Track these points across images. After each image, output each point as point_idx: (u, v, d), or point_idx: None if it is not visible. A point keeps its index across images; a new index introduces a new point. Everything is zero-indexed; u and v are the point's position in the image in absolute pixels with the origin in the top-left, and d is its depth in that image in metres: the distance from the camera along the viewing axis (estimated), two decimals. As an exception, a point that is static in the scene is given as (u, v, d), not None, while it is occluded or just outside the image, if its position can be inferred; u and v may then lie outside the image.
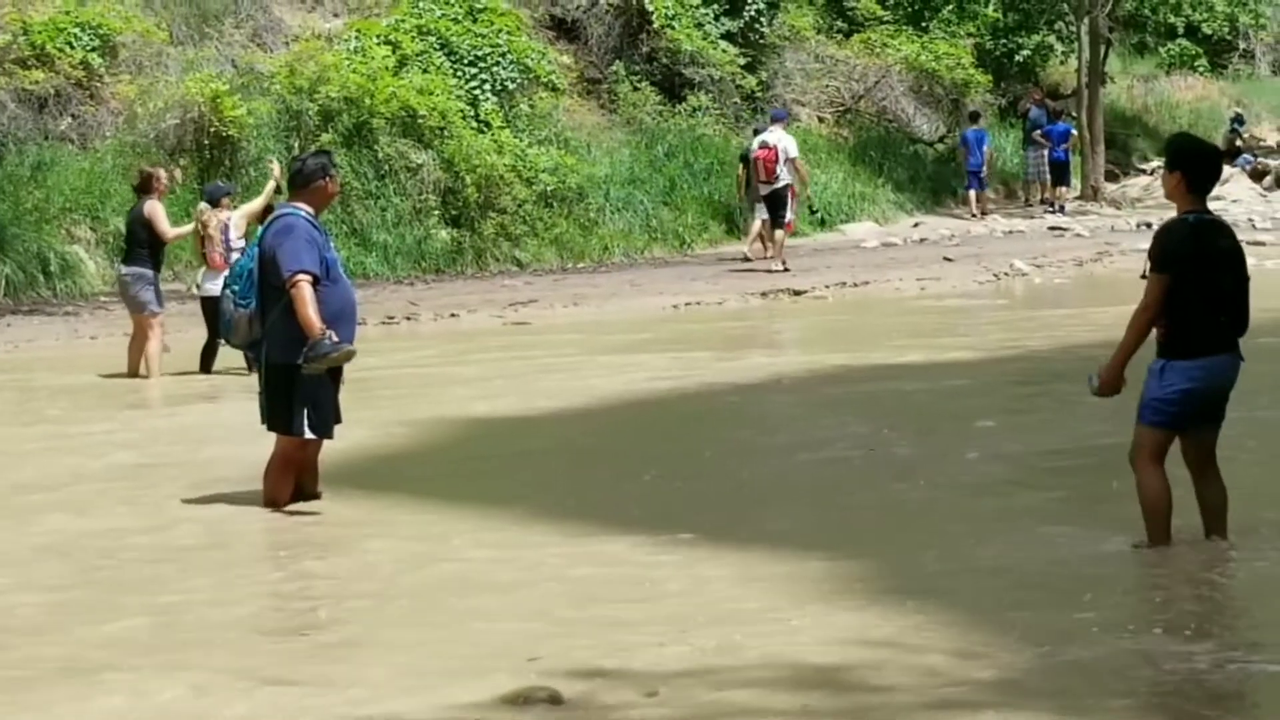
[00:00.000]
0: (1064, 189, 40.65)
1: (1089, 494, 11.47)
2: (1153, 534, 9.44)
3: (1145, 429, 9.39)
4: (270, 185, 19.17)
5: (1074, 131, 40.46)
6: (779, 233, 29.93)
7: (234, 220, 18.87)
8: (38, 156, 26.49)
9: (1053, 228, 36.54)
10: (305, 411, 11.05)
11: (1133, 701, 7.13)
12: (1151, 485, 9.39)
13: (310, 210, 11.19)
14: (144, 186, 19.15)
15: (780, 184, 29.72)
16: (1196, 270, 9.23)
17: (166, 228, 18.82)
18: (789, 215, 30.22)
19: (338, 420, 11.31)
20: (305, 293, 10.81)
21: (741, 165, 31.96)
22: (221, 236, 18.80)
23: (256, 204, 19.20)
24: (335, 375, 11.16)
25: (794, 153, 30.17)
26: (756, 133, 31.52)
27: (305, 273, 10.86)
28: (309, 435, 11.12)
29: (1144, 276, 9.50)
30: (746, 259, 30.38)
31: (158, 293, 18.88)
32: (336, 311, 10.98)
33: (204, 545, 10.50)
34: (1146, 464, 9.39)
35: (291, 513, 11.13)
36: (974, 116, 39.78)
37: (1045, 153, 40.65)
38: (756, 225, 30.83)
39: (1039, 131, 40.21)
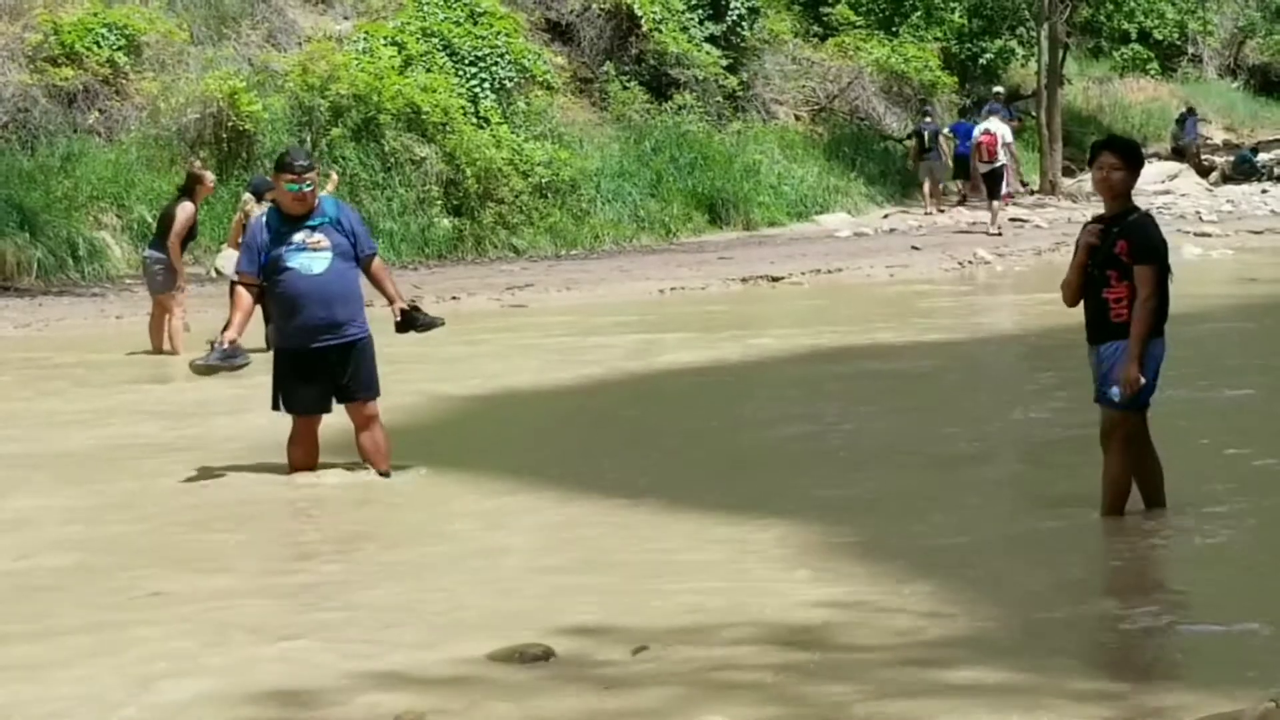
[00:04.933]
0: (961, 183, 40.22)
1: (1049, 468, 11.50)
2: (1111, 507, 9.45)
3: (1135, 414, 9.32)
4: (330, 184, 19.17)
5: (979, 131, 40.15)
6: (996, 203, 34.25)
7: None
8: (67, 148, 26.45)
9: (1013, 219, 36.47)
10: (276, 390, 11.26)
11: (1090, 658, 7.17)
12: (1124, 466, 9.37)
13: (278, 204, 11.26)
14: (188, 186, 19.08)
15: (998, 164, 34.12)
16: (1167, 260, 9.28)
17: (177, 236, 18.65)
18: (1005, 189, 34.73)
19: (320, 400, 11.21)
20: (237, 294, 11.58)
21: (914, 141, 38.31)
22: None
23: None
24: (315, 359, 11.05)
25: (1009, 139, 34.80)
26: (926, 115, 38.67)
27: (240, 274, 11.49)
28: (280, 410, 11.27)
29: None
30: (928, 213, 36.89)
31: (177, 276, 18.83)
32: (282, 300, 11.11)
33: (230, 507, 10.53)
34: (1122, 445, 9.34)
35: (306, 481, 11.15)
36: (964, 111, 40.11)
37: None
38: (928, 186, 37.64)
39: (947, 129, 39.61)
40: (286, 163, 11.14)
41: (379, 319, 11.55)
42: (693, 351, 18.24)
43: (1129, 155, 9.44)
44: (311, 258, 10.96)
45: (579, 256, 30.14)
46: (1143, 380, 9.15)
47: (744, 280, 26.38)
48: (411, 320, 11.45)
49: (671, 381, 16.30)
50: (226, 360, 11.24)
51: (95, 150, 26.72)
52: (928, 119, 38.95)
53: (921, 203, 38.44)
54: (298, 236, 10.98)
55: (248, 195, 19.47)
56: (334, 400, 11.24)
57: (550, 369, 16.86)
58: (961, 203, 39.32)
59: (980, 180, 36.03)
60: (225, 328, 11.52)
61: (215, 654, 7.25)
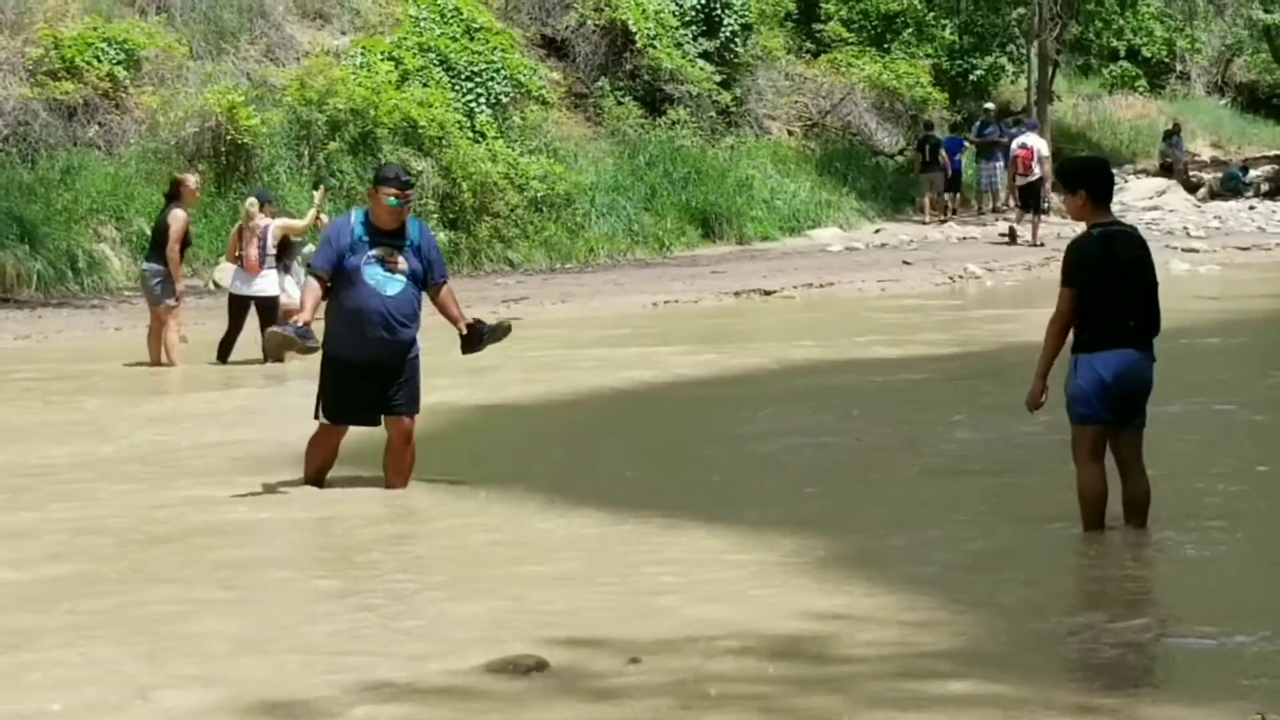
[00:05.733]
0: (958, 194, 40.60)
1: (1036, 481, 11.50)
2: (1087, 522, 9.46)
3: (1076, 427, 9.42)
4: (312, 211, 19.19)
5: (966, 143, 40.40)
6: (1037, 216, 34.77)
7: (272, 229, 18.86)
8: (67, 161, 26.47)
9: (1003, 234, 36.54)
10: (320, 398, 11.11)
11: (1079, 670, 7.17)
12: (1087, 479, 9.42)
13: (370, 212, 11.03)
14: (172, 193, 19.13)
15: (1034, 177, 34.66)
16: (1102, 280, 9.24)
17: (175, 242, 18.65)
18: (1044, 204, 35.02)
19: (364, 412, 11.13)
20: (307, 283, 11.20)
21: (917, 151, 39.30)
22: (259, 241, 18.79)
23: (298, 222, 19.23)
24: (366, 373, 10.94)
25: (1046, 153, 35.02)
26: (928, 127, 39.79)
27: (313, 269, 11.10)
28: (319, 419, 11.11)
29: None
30: (928, 220, 38.23)
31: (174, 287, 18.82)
32: (349, 311, 10.86)
33: (227, 519, 10.51)
34: (1084, 459, 9.40)
35: (320, 487, 11.21)
36: (955, 127, 40.37)
37: (997, 165, 40.61)
38: (929, 198, 38.86)
39: (942, 149, 39.96)
40: (391, 177, 11.03)
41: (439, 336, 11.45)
42: (686, 364, 18.25)
43: (1063, 178, 9.68)
44: (388, 278, 10.85)
45: (573, 270, 30.16)
46: (1044, 398, 9.47)
47: (737, 294, 26.41)
48: (479, 335, 11.34)
49: (665, 394, 16.30)
50: (301, 336, 10.99)
51: (95, 163, 26.73)
52: (931, 132, 39.33)
53: (920, 214, 38.82)
54: (377, 252, 10.83)
55: (253, 200, 19.49)
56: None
57: (544, 382, 16.85)
58: (952, 216, 39.49)
59: (1016, 192, 36.70)
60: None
61: (210, 664, 7.23)
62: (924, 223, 38.50)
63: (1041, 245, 33.26)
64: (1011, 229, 35.11)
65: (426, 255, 11.07)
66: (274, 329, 10.96)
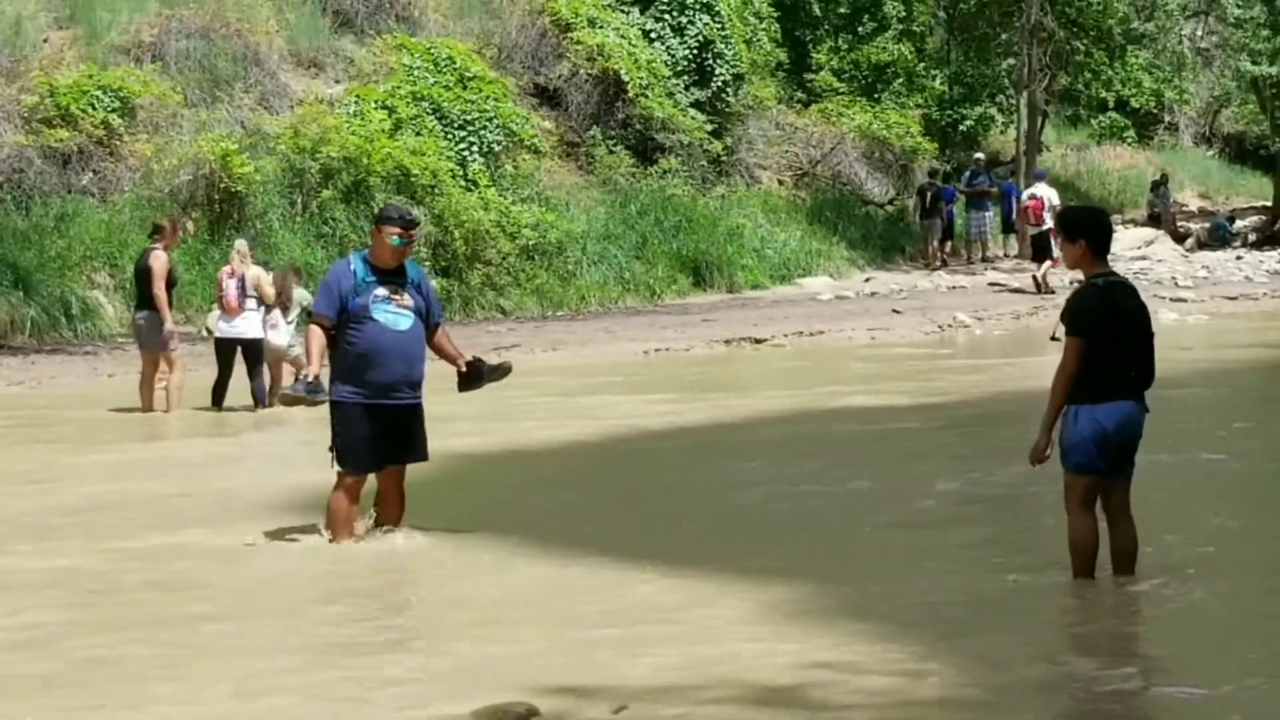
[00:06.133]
0: (949, 244, 40.96)
1: (1023, 530, 11.51)
2: (1078, 570, 9.46)
3: (1070, 476, 9.41)
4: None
5: (957, 193, 40.66)
6: (1046, 264, 34.45)
7: (251, 275, 18.90)
8: (61, 209, 26.47)
9: (992, 284, 36.65)
10: (336, 447, 10.91)
11: (1066, 717, 7.18)
12: (1079, 528, 9.43)
13: (371, 252, 10.96)
14: (152, 236, 19.23)
15: (1045, 227, 34.27)
16: (1108, 331, 9.25)
17: (160, 284, 18.70)
18: (1055, 252, 33.21)
19: (384, 458, 10.94)
20: (310, 333, 10.97)
21: (917, 197, 40.17)
22: (238, 282, 18.86)
23: (267, 284, 19.17)
24: (385, 416, 10.82)
25: (1056, 203, 34.85)
26: (932, 175, 40.35)
27: (315, 315, 10.97)
28: (335, 468, 10.94)
29: (1054, 338, 9.55)
30: (930, 266, 39.07)
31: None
32: (362, 351, 10.74)
33: (217, 566, 10.51)
34: (1077, 509, 9.41)
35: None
36: (946, 177, 40.51)
37: (986, 214, 40.86)
38: (934, 245, 39.74)
39: (941, 200, 40.43)
40: (395, 216, 10.99)
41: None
42: (676, 412, 18.26)
43: (1065, 228, 9.62)
44: (398, 314, 10.78)
45: (565, 318, 30.17)
46: (1049, 451, 9.39)
47: (727, 342, 26.43)
48: (479, 373, 11.33)
49: (655, 442, 16.30)
50: (311, 393, 10.98)
51: (89, 210, 26.74)
52: (934, 179, 39.72)
53: (922, 260, 39.25)
54: (383, 290, 10.77)
55: (242, 241, 19.59)
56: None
57: (535, 429, 16.86)
58: (943, 264, 39.75)
59: (1029, 242, 37.08)
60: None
61: (199, 709, 7.23)
62: (928, 267, 38.89)
63: (1053, 293, 33.22)
64: (1035, 278, 35.11)
65: (426, 295, 11.07)
66: (285, 391, 10.93)
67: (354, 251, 11.75)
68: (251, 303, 18.91)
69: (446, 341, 11.34)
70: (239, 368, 18.93)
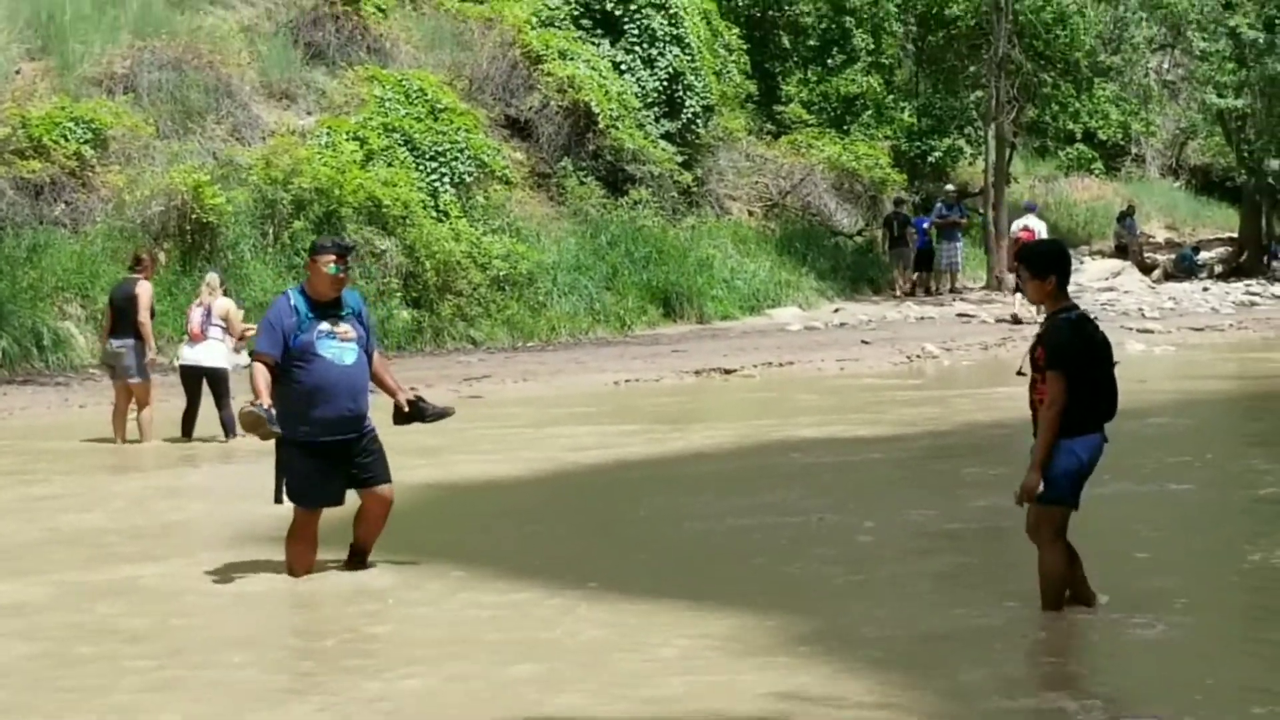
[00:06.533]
0: (925, 274, 41.36)
1: (993, 562, 11.56)
2: (1049, 602, 9.51)
3: (1045, 508, 9.39)
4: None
5: (931, 224, 40.98)
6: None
7: (220, 305, 18.97)
8: (33, 240, 26.44)
9: (960, 314, 36.80)
10: (283, 481, 10.90)
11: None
12: (1052, 560, 9.44)
13: (308, 285, 10.89)
14: (133, 267, 19.28)
15: None
16: (1082, 364, 9.31)
17: (145, 313, 18.80)
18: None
19: (337, 493, 10.96)
20: (254, 371, 10.78)
21: (884, 228, 40.78)
22: (204, 310, 18.93)
23: (237, 319, 19.23)
24: (334, 451, 10.80)
25: (1044, 235, 35.39)
26: (898, 204, 41.19)
27: (257, 355, 10.85)
28: (285, 502, 10.96)
29: (1020, 373, 9.59)
30: (899, 294, 39.52)
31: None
32: (309, 389, 10.69)
33: (195, 599, 10.52)
34: (1050, 541, 9.40)
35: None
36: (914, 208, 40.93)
37: (957, 245, 41.10)
38: (898, 274, 40.49)
39: (909, 227, 40.92)
40: (329, 245, 10.92)
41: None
42: (647, 443, 18.30)
43: (1034, 263, 9.57)
44: (342, 348, 10.74)
45: (535, 348, 30.22)
46: (1041, 485, 9.27)
47: (697, 373, 26.47)
48: (420, 411, 11.28)
49: (626, 473, 16.33)
50: (270, 421, 10.55)
51: (60, 241, 26.71)
52: (899, 209, 40.10)
53: (891, 290, 39.51)
54: (327, 325, 10.73)
55: (214, 274, 19.68)
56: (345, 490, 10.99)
57: (507, 460, 16.88)
58: (911, 294, 40.01)
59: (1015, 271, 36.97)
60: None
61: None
62: (896, 297, 39.17)
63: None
64: (1014, 314, 35.42)
65: (365, 324, 11.01)
66: (247, 407, 10.70)
67: (290, 287, 11.60)
68: (216, 331, 18.96)
69: (385, 372, 11.28)
70: (208, 398, 18.98)
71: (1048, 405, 9.27)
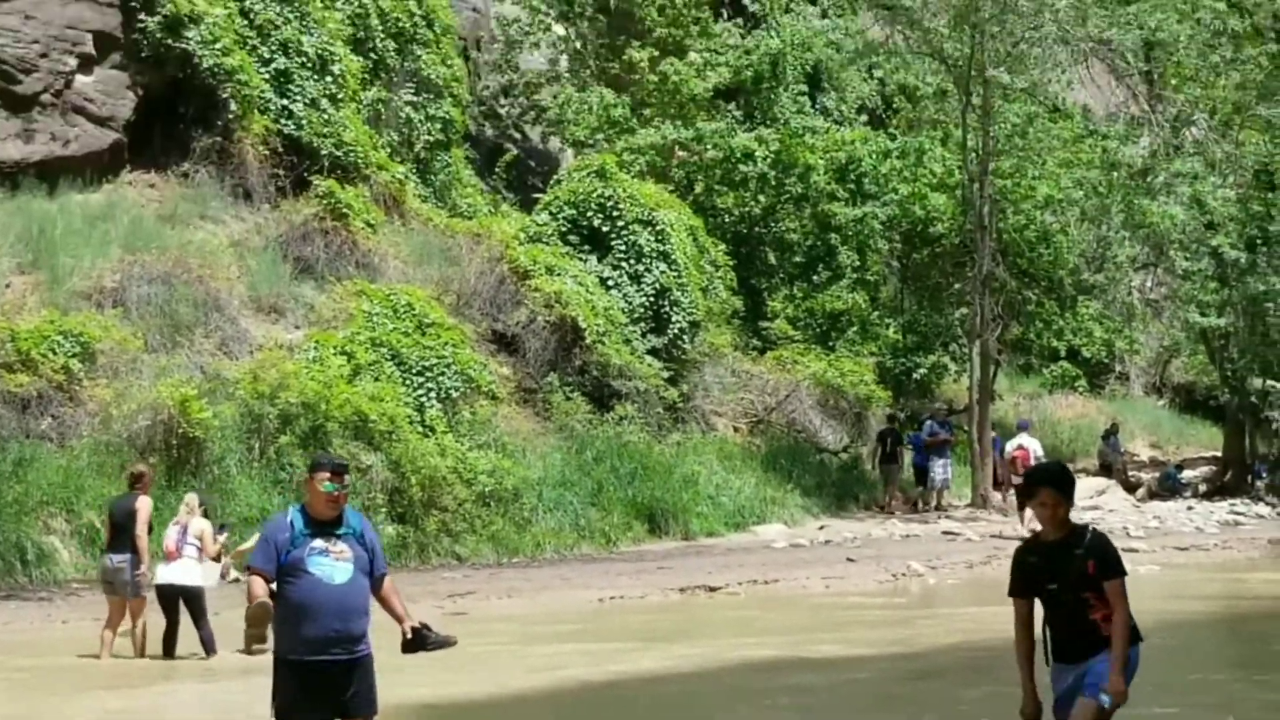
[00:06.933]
0: (920, 490, 41.79)
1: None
2: None
3: (1107, 712, 9.42)
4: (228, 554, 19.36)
5: (924, 441, 41.37)
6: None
7: (196, 525, 19.07)
8: (19, 453, 26.48)
9: (945, 532, 36.86)
10: (275, 706, 10.69)
11: None
12: None
13: (307, 503, 10.79)
14: (133, 484, 19.38)
15: None
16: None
17: (143, 527, 18.93)
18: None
19: (329, 715, 10.66)
20: (251, 583, 10.70)
21: (878, 443, 41.04)
22: (180, 528, 19.06)
23: (209, 539, 19.39)
24: (322, 673, 10.54)
25: (1040, 453, 37.03)
26: (891, 420, 41.63)
27: (252, 569, 10.76)
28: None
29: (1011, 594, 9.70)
30: (892, 511, 39.68)
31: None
32: (296, 606, 10.53)
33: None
34: None
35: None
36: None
37: (946, 463, 41.33)
38: (894, 491, 40.69)
39: (901, 444, 41.40)
40: (325, 463, 10.81)
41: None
42: (631, 661, 18.30)
43: (1066, 488, 9.69)
44: (334, 566, 10.58)
45: (521, 564, 30.20)
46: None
47: (682, 590, 26.48)
48: (422, 639, 11.16)
49: (611, 691, 16.34)
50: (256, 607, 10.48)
51: (47, 455, 26.75)
52: (890, 425, 40.49)
53: (876, 508, 39.84)
54: (321, 542, 10.60)
55: (192, 495, 19.78)
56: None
57: (492, 678, 16.88)
58: (897, 511, 40.22)
59: (1008, 490, 38.46)
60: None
61: None
62: (889, 513, 39.45)
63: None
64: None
65: (370, 545, 10.83)
66: (253, 602, 10.56)
67: (293, 504, 11.63)
68: (191, 550, 19.04)
69: (394, 596, 11.06)
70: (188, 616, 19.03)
71: (1121, 612, 9.38)
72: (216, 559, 18.90)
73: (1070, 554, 9.48)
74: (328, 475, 10.72)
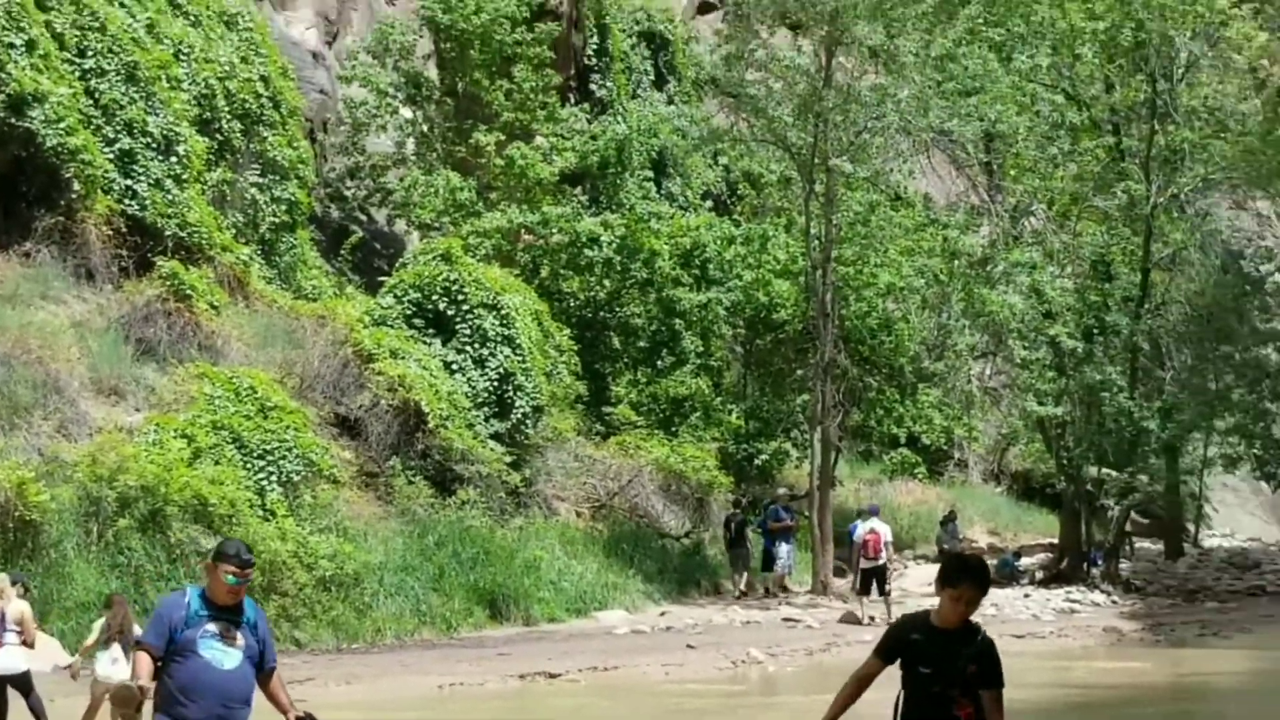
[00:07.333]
0: (766, 575, 42.49)
1: None
2: None
3: None
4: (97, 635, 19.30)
5: (770, 527, 41.89)
6: (888, 599, 36.66)
7: (14, 609, 18.94)
8: None
9: (786, 619, 37.18)
10: None
11: None
12: None
13: (208, 588, 10.82)
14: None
15: (882, 561, 37.17)
16: None
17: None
18: (889, 586, 37.32)
19: None
20: (137, 659, 10.81)
21: (724, 529, 41.68)
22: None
23: (31, 627, 19.32)
24: None
25: (889, 538, 37.78)
26: (737, 505, 42.59)
27: (141, 644, 10.85)
28: None
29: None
30: (741, 595, 40.43)
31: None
32: (181, 686, 10.56)
33: None
34: None
35: None
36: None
37: (789, 548, 41.80)
38: (736, 576, 41.15)
39: (747, 528, 41.91)
40: (231, 554, 10.79)
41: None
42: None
43: (986, 589, 9.72)
44: (225, 652, 10.63)
45: (360, 650, 30.15)
46: None
47: (522, 676, 26.57)
48: None
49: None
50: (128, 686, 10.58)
51: (-120, 539, 26.47)
52: (736, 510, 41.00)
53: (730, 591, 40.37)
54: (214, 627, 10.65)
55: (3, 576, 19.64)
56: None
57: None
58: (745, 595, 40.56)
59: (858, 574, 38.39)
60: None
61: None
62: (736, 597, 39.82)
63: (874, 620, 34.89)
64: (851, 613, 36.54)
65: (262, 637, 10.91)
66: (125, 682, 10.59)
67: (191, 584, 11.65)
68: (11, 636, 18.90)
69: (280, 690, 11.12)
70: (17, 701, 18.92)
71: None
72: (116, 638, 18.78)
73: (957, 649, 9.49)
74: (232, 569, 10.80)
